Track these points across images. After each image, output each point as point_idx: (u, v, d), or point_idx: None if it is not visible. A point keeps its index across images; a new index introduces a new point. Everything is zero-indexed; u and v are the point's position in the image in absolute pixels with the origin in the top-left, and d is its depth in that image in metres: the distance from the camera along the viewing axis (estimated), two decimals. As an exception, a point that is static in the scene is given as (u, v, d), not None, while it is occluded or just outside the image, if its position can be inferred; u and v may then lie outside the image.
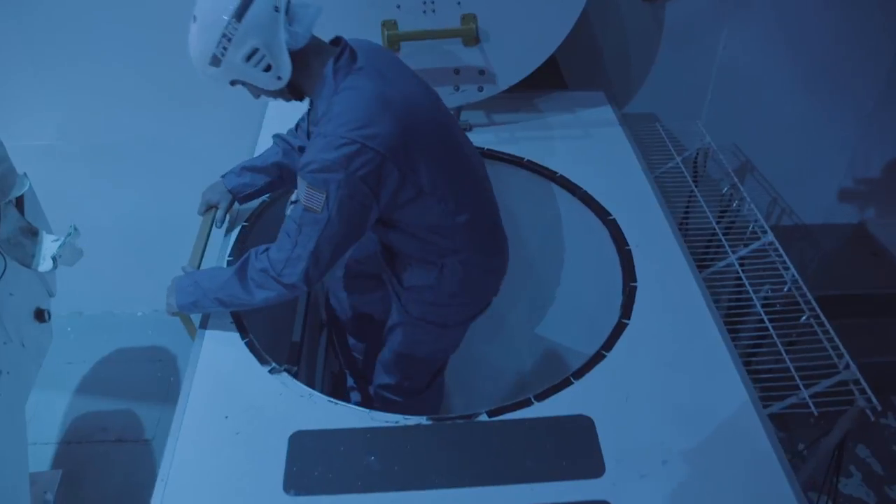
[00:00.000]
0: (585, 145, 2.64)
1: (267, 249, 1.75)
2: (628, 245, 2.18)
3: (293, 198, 1.68)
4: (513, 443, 1.66)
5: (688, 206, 2.79)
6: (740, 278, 2.36)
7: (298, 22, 1.60)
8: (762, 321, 2.24)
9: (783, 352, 2.10)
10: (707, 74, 3.28)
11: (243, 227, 2.28)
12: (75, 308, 4.24)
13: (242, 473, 1.58)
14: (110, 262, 3.92)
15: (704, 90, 3.34)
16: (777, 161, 3.62)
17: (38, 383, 3.86)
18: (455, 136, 1.91)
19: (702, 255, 2.65)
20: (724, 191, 2.68)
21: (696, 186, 2.74)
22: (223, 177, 2.19)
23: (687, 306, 1.97)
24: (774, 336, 2.18)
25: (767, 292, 2.37)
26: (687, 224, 2.69)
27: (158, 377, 3.90)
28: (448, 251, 1.95)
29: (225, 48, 1.55)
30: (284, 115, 2.38)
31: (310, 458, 1.61)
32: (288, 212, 1.70)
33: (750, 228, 2.45)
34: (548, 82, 2.88)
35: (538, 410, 1.72)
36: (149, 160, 3.59)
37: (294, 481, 1.55)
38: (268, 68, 1.60)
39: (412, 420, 1.71)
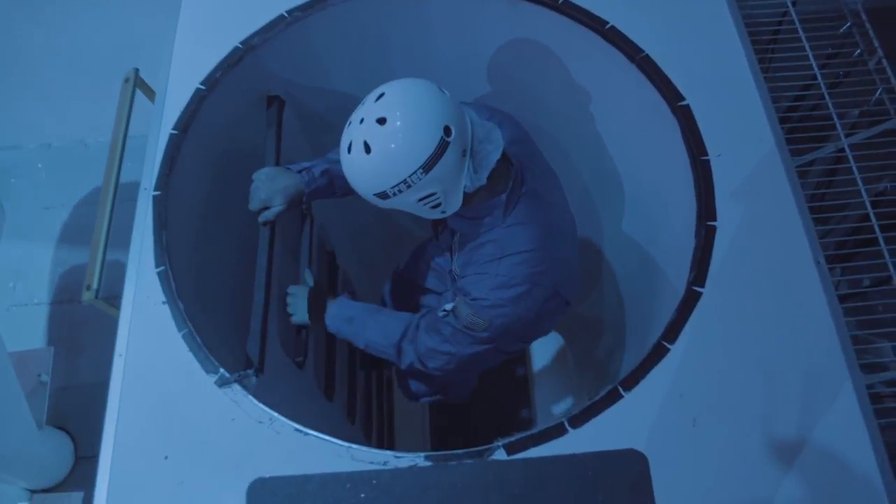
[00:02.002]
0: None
1: (420, 322, 1.67)
2: (706, 154, 1.54)
3: (447, 307, 1.59)
4: (539, 491, 1.25)
5: (775, 39, 2.01)
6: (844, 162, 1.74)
7: (480, 164, 1.41)
8: (863, 228, 1.67)
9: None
10: None
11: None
12: (43, 140, 3.74)
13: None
14: (71, 86, 3.39)
15: None
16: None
17: (17, 235, 3.55)
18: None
19: (784, 114, 1.98)
20: (841, 28, 1.88)
21: (795, 13, 1.94)
22: (299, 171, 1.73)
23: (792, 268, 1.41)
24: (887, 256, 1.62)
25: (886, 187, 1.76)
26: (769, 67, 1.94)
27: (144, 217, 3.50)
28: None
29: (401, 191, 1.36)
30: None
31: (274, 519, 1.24)
32: (440, 313, 1.60)
33: (876, 95, 1.74)
34: None
35: (574, 443, 1.29)
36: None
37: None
38: (437, 206, 1.43)
39: (405, 459, 1.29)
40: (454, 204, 1.43)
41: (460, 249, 1.65)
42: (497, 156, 1.41)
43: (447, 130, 1.31)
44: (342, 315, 1.74)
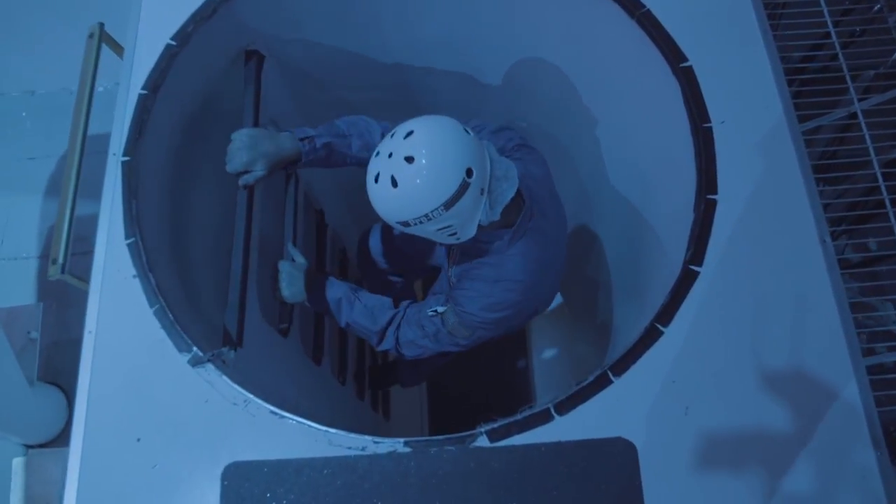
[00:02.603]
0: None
1: (405, 313, 1.79)
2: (709, 121, 1.45)
3: (439, 308, 1.73)
4: (522, 480, 1.21)
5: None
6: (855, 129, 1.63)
7: (496, 201, 1.50)
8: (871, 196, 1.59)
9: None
10: None
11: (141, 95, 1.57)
12: (27, 87, 3.61)
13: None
14: (54, 31, 3.25)
15: None
16: None
17: (2, 187, 3.46)
18: None
19: (792, 76, 1.86)
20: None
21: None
22: (301, 139, 1.68)
23: (796, 248, 1.33)
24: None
25: (897, 154, 1.66)
26: (779, 24, 1.80)
27: (134, 169, 3.42)
28: None
29: (421, 222, 1.45)
30: None
31: (250, 504, 1.21)
32: (429, 312, 1.74)
33: (895, 56, 1.63)
34: None
35: (559, 430, 1.24)
36: None
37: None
38: (453, 234, 1.52)
39: (385, 445, 1.25)
40: (469, 233, 1.52)
41: (459, 261, 1.71)
42: (512, 193, 1.50)
43: (469, 172, 1.40)
44: (332, 296, 1.79)
